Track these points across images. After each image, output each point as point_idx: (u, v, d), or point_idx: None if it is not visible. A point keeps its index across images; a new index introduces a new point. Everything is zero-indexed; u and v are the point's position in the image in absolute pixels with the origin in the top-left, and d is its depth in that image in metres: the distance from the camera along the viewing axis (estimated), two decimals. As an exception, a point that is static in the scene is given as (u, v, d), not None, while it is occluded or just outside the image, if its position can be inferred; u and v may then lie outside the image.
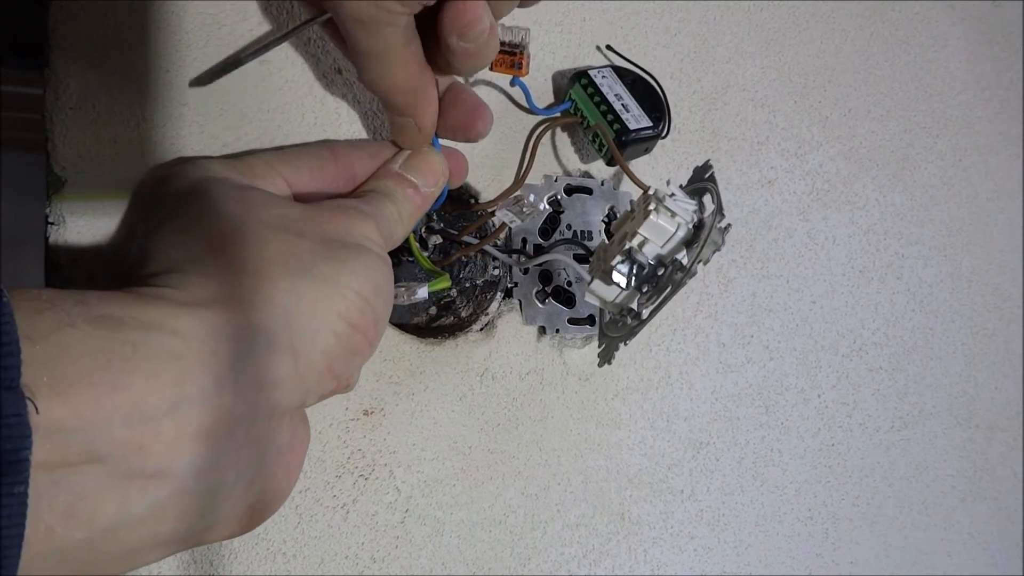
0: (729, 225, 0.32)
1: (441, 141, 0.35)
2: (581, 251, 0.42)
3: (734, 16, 0.48)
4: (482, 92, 0.40)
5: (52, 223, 0.32)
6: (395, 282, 0.31)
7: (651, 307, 0.33)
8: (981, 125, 0.58)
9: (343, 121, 0.37)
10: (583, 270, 0.38)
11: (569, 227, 0.42)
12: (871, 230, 0.53)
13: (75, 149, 0.32)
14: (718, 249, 0.32)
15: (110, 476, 0.21)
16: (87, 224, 0.32)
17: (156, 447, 0.21)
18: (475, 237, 0.39)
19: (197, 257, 0.26)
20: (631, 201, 0.35)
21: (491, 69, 0.37)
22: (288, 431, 0.27)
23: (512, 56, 0.37)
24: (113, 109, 0.32)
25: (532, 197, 0.35)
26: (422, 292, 0.34)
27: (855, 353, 0.51)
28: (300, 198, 0.31)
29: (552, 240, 0.41)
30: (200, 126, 0.34)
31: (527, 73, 0.38)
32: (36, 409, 0.19)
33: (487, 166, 0.40)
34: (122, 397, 0.21)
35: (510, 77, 0.38)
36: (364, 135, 0.37)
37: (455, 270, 0.39)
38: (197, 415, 0.22)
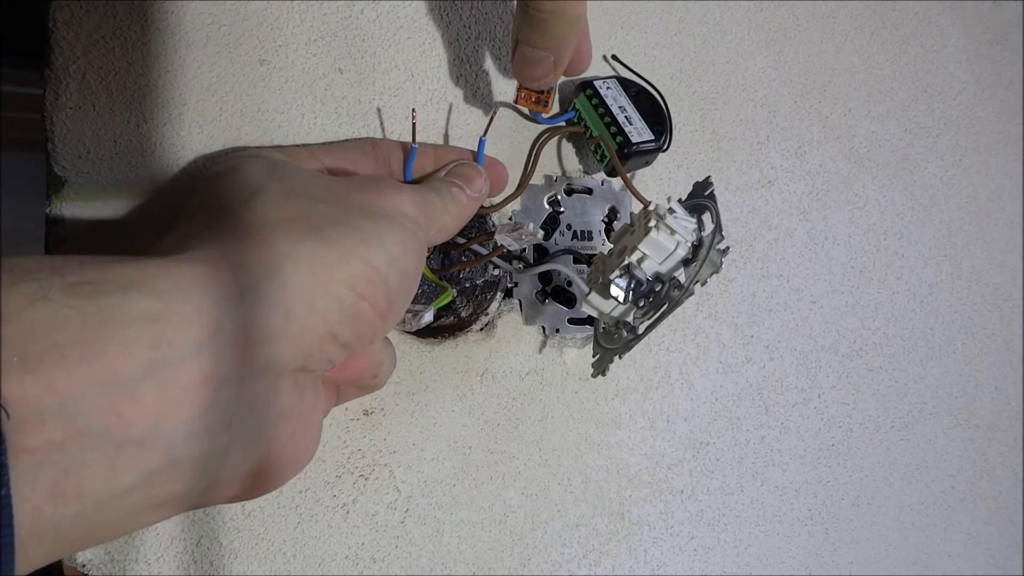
0: (728, 248, 0.32)
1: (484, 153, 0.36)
2: (581, 254, 0.42)
3: (734, 16, 0.48)
4: (490, 97, 0.40)
5: (52, 223, 0.32)
6: None
7: (647, 322, 0.33)
8: (981, 125, 0.58)
9: (343, 121, 0.37)
10: (582, 281, 0.38)
11: (569, 227, 0.42)
12: (871, 230, 0.53)
13: (75, 149, 0.32)
14: (716, 271, 0.32)
15: (94, 448, 0.20)
16: (87, 224, 0.32)
17: (137, 413, 0.21)
18: (465, 239, 0.39)
19: (208, 224, 0.26)
20: (632, 214, 0.35)
21: (515, 102, 0.38)
22: (292, 393, 0.26)
23: (540, 93, 0.37)
24: (113, 109, 0.32)
25: (531, 226, 0.35)
26: (428, 316, 0.34)
27: (855, 353, 0.51)
28: None
29: (552, 240, 0.41)
30: (200, 126, 0.34)
31: (550, 112, 0.38)
32: (7, 415, 0.19)
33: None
34: (95, 366, 0.20)
35: (527, 109, 0.39)
36: (364, 135, 0.37)
37: (456, 272, 0.39)
38: (177, 377, 0.22)
